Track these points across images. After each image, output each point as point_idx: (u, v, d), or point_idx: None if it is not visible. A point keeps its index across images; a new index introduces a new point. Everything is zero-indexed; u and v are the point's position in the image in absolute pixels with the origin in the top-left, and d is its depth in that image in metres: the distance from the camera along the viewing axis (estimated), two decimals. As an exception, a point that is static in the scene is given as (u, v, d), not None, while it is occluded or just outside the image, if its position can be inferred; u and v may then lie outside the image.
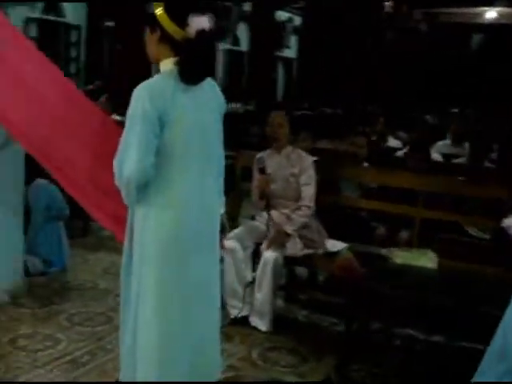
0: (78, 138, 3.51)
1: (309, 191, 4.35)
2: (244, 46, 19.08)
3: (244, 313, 4.25)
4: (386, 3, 16.95)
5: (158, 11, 2.71)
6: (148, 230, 2.72)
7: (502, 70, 13.44)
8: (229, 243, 4.23)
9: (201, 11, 2.73)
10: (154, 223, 2.71)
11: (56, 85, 3.71)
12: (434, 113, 11.91)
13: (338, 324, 4.25)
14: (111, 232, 3.42)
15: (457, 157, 6.77)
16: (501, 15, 15.61)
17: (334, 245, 4.31)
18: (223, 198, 3.04)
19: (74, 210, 4.56)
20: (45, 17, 12.70)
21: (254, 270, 4.30)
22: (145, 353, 2.74)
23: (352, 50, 16.15)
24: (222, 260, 4.16)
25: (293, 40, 21.35)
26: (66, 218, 5.23)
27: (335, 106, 14.52)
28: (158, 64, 2.81)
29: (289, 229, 4.22)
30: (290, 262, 4.32)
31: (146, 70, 3.76)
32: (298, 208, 4.32)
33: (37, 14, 12.40)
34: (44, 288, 4.73)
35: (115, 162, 2.72)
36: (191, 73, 2.72)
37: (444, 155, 6.72)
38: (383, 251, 4.01)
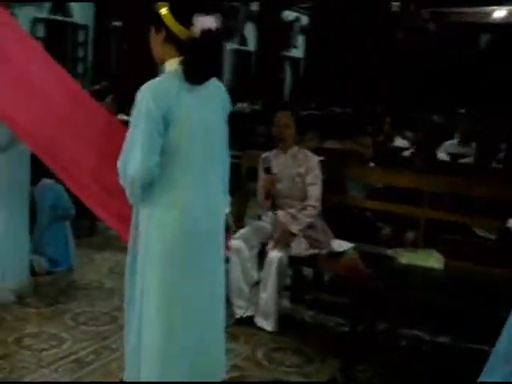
0: (83, 138, 3.52)
1: (315, 191, 4.34)
2: (251, 45, 19.08)
3: (249, 313, 4.25)
4: (394, 3, 16.91)
5: (163, 11, 2.71)
6: (152, 229, 2.72)
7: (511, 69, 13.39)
8: (235, 243, 4.23)
9: (206, 11, 2.73)
10: (158, 222, 2.71)
11: (62, 85, 3.72)
12: (441, 113, 11.87)
13: (343, 324, 4.23)
14: (116, 231, 3.42)
15: (464, 157, 6.74)
16: (510, 14, 15.53)
17: (340, 245, 4.30)
18: (228, 198, 3.04)
19: (81, 210, 4.56)
20: (52, 17, 12.73)
21: (260, 269, 4.29)
22: (148, 352, 2.74)
23: (359, 49, 16.11)
24: (227, 260, 4.18)
25: (300, 40, 21.33)
26: (72, 217, 5.23)
27: (343, 105, 14.49)
28: (163, 64, 2.81)
29: (294, 228, 4.22)
30: (295, 262, 4.31)
31: (152, 70, 3.76)
32: (304, 208, 4.32)
33: (44, 14, 12.43)
34: (50, 287, 4.74)
35: (119, 162, 2.72)
36: (196, 72, 2.71)
37: (451, 155, 6.69)
38: (389, 251, 4.00)
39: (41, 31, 12.30)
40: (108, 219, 3.36)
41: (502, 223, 3.94)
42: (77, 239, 5.42)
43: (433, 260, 3.87)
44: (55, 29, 12.78)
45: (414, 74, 16.06)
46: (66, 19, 13.14)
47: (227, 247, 3.11)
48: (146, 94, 2.64)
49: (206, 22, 2.69)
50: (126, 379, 2.94)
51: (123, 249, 2.87)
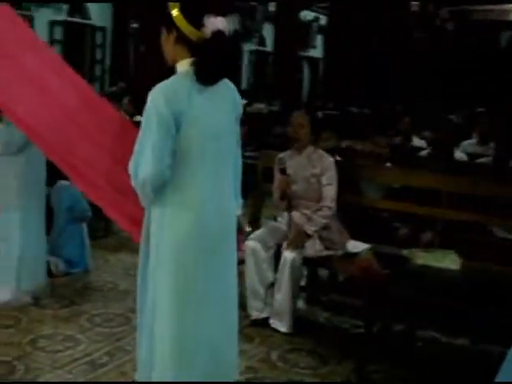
0: (96, 139, 3.52)
1: (330, 191, 4.32)
2: (270, 46, 19.07)
3: (265, 314, 4.24)
4: (413, 2, 16.83)
5: (174, 12, 2.70)
6: (164, 230, 2.71)
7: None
8: (251, 244, 4.23)
9: (217, 12, 2.72)
10: (169, 223, 2.70)
11: (73, 87, 3.72)
12: (459, 112, 11.76)
13: (359, 326, 4.20)
14: (128, 233, 3.42)
15: (482, 156, 6.66)
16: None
17: (355, 246, 4.27)
18: (240, 201, 3.03)
19: (96, 211, 4.58)
20: (70, 19, 12.79)
21: (276, 271, 4.27)
22: (161, 354, 2.74)
23: (378, 49, 16.03)
24: (242, 262, 4.17)
25: (319, 39, 21.29)
26: (88, 219, 5.25)
27: (361, 105, 14.43)
28: (174, 65, 2.80)
29: (309, 229, 4.20)
30: (309, 262, 4.28)
31: (168, 71, 3.76)
32: (320, 209, 4.29)
33: (62, 17, 12.49)
34: (66, 289, 4.76)
35: (131, 164, 2.72)
36: (207, 73, 2.70)
37: (469, 155, 6.62)
38: (404, 252, 3.96)
39: (59, 34, 12.37)
40: (120, 220, 3.36)
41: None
42: (92, 240, 5.44)
43: (448, 261, 3.82)
44: (73, 31, 12.84)
45: (432, 73, 15.96)
46: (84, 21, 13.19)
47: (239, 249, 3.08)
48: (157, 96, 2.63)
49: (217, 23, 2.68)
50: (138, 380, 2.94)
51: (137, 250, 2.87)
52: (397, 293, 3.49)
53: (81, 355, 3.68)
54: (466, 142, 7.25)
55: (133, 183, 2.72)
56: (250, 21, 17.85)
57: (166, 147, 2.61)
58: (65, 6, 12.43)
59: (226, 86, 2.84)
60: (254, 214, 5.02)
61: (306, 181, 4.36)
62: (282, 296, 4.13)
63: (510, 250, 4.18)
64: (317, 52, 21.37)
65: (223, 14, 2.71)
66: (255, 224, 4.90)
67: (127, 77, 12.82)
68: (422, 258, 3.85)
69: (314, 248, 4.18)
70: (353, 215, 4.67)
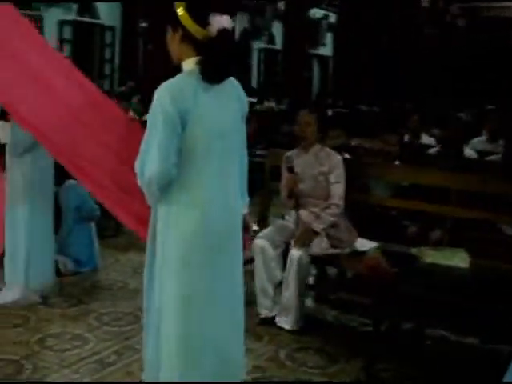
0: (102, 139, 3.53)
1: (338, 189, 4.30)
2: (279, 44, 19.04)
3: (274, 313, 4.23)
4: (424, -1, 16.79)
5: (180, 11, 2.69)
6: (170, 229, 2.71)
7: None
8: (259, 242, 4.22)
9: (222, 10, 2.72)
10: (175, 222, 2.69)
11: (79, 87, 3.73)
12: (469, 109, 11.70)
13: (367, 324, 4.19)
14: (135, 232, 3.42)
15: (492, 154, 6.62)
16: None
17: (364, 244, 4.25)
18: (247, 199, 3.02)
19: (106, 211, 4.58)
20: (79, 18, 12.81)
21: (284, 269, 4.26)
22: (167, 354, 2.73)
23: (388, 46, 16.00)
24: (249, 260, 4.17)
25: (329, 37, 21.24)
26: (96, 218, 5.25)
27: (372, 103, 14.41)
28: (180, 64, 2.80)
29: (317, 227, 4.18)
30: (317, 261, 4.27)
31: (177, 70, 3.76)
32: (328, 207, 4.28)
33: (71, 16, 12.51)
34: (74, 288, 4.77)
35: (137, 163, 2.72)
36: (213, 72, 2.70)
37: (479, 152, 6.58)
38: (413, 250, 3.94)
39: (68, 33, 12.40)
40: (126, 220, 3.37)
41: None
42: (102, 239, 5.46)
43: (458, 259, 3.80)
44: (82, 30, 12.87)
45: (442, 71, 15.90)
46: (94, 21, 13.22)
47: (245, 247, 3.07)
48: (163, 94, 2.63)
49: (222, 21, 2.68)
50: (145, 380, 2.94)
51: (146, 249, 2.88)
52: (406, 291, 3.47)
53: (88, 354, 3.69)
54: (475, 140, 7.21)
55: (139, 182, 2.72)
56: (260, 19, 17.83)
57: (172, 145, 2.61)
58: (74, 6, 12.46)
59: (232, 84, 2.83)
60: (262, 213, 5.01)
61: (314, 179, 4.35)
62: (288, 294, 4.12)
63: (520, 248, 4.15)
64: (327, 50, 21.33)
65: (232, 13, 2.70)
66: (263, 223, 4.90)
67: (136, 76, 12.83)
68: (431, 256, 3.82)
69: (320, 246, 4.17)
70: (361, 213, 4.65)
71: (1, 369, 3.47)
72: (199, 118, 2.65)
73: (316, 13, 19.88)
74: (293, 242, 4.22)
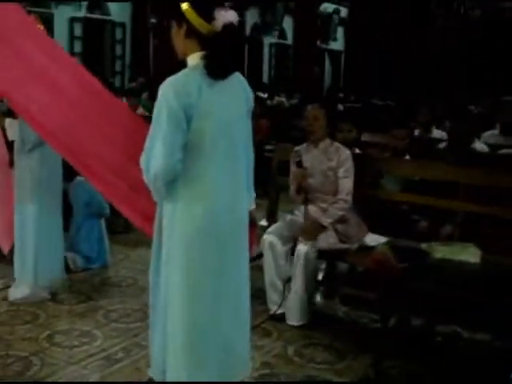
0: (107, 136, 3.52)
1: (347, 184, 4.27)
2: (290, 39, 18.98)
3: (283, 309, 4.21)
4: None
5: (185, 5, 2.67)
6: (175, 225, 2.70)
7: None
8: (268, 238, 4.21)
9: (228, 5, 2.70)
10: (181, 218, 2.69)
11: (83, 84, 3.71)
12: (481, 101, 11.59)
13: (376, 320, 4.16)
14: (141, 228, 3.41)
15: (505, 147, 6.54)
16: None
17: (373, 239, 4.22)
18: (253, 194, 3.01)
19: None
20: (90, 15, 12.82)
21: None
22: (173, 354, 2.73)
23: (399, 39, 15.91)
24: (260, 256, 4.16)
25: (340, 32, 21.15)
26: (106, 215, 5.25)
27: (384, 98, 14.34)
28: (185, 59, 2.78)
29: (324, 221, 4.16)
30: (325, 255, 4.24)
31: (182, 66, 3.75)
32: (335, 201, 4.25)
33: (82, 13, 12.53)
34: (84, 284, 4.78)
35: (142, 158, 2.71)
36: (218, 67, 2.68)
37: (491, 146, 6.51)
38: (423, 246, 3.90)
39: (79, 30, 12.41)
40: (133, 217, 3.36)
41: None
42: (112, 236, 5.46)
43: (469, 254, 3.76)
44: (93, 27, 12.89)
45: (455, 64, 15.78)
46: (104, 17, 13.23)
47: (253, 243, 3.05)
48: (167, 89, 2.62)
49: (227, 16, 2.66)
50: (151, 375, 2.94)
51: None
52: (416, 287, 3.45)
53: (97, 351, 3.69)
54: (487, 133, 7.13)
55: (144, 178, 2.71)
56: (271, 14, 17.79)
57: (177, 141, 2.60)
58: (84, 3, 12.48)
59: (237, 79, 2.81)
60: (271, 208, 4.99)
61: (323, 174, 4.32)
62: (296, 288, 4.11)
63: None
64: (338, 45, 21.25)
65: (242, 8, 2.68)
66: (272, 218, 4.88)
67: (147, 72, 12.84)
68: (441, 251, 3.79)
69: (327, 240, 4.14)
70: (371, 208, 4.61)
71: (10, 365, 3.48)
72: (204, 113, 2.63)
73: (327, 7, 19.80)
74: (300, 237, 4.20)
